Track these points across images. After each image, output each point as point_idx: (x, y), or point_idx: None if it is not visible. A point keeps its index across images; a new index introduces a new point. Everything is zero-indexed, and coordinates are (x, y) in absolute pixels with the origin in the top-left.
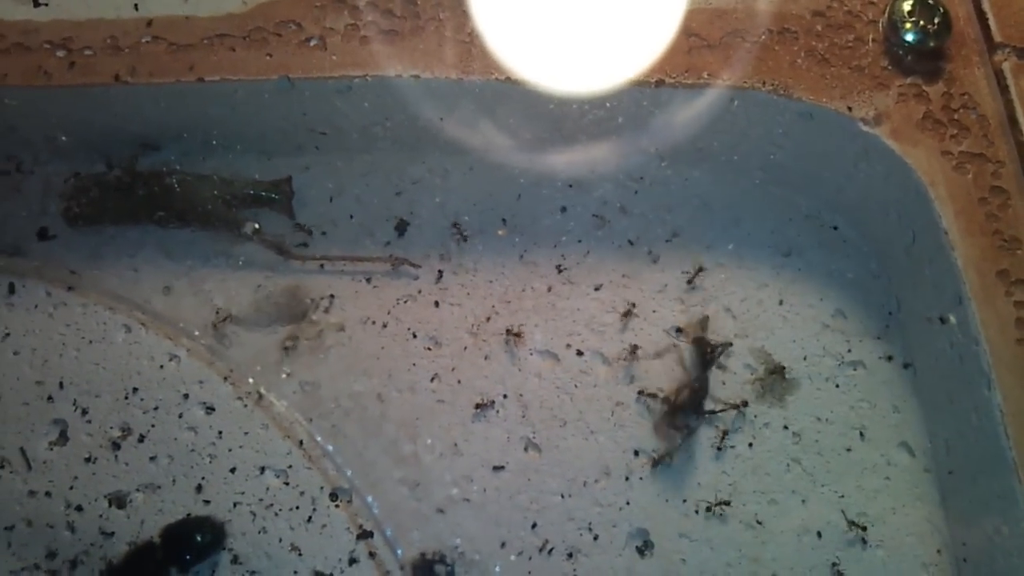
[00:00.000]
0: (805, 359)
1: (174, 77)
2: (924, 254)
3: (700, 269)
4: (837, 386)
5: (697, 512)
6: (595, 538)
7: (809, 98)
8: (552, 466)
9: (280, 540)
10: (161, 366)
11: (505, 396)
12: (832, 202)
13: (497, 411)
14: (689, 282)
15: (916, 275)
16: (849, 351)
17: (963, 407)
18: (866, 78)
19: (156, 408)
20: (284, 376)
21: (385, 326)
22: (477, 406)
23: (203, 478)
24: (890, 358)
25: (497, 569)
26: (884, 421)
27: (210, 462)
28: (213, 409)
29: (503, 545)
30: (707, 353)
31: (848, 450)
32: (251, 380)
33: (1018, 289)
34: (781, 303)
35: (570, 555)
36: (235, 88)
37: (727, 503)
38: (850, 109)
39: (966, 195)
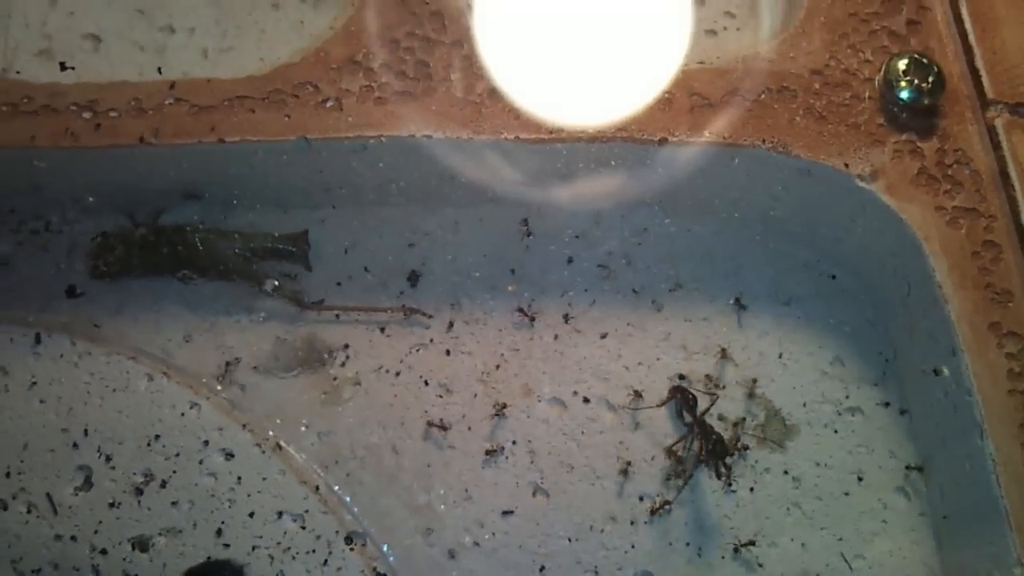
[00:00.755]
0: (804, 405)
1: (196, 138)
2: (919, 306)
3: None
4: (836, 432)
5: (700, 555)
6: None
7: (807, 155)
8: (560, 511)
9: None
10: (182, 414)
11: (514, 442)
12: (830, 253)
13: (506, 457)
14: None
15: (911, 325)
16: (847, 397)
17: (956, 455)
18: (862, 135)
19: (177, 454)
20: (303, 428)
21: (398, 374)
22: (487, 452)
23: (223, 522)
24: (887, 404)
25: None
26: (881, 466)
27: (229, 507)
28: (232, 455)
29: None
30: (688, 401)
31: (846, 494)
32: (271, 433)
33: (1009, 341)
34: (781, 352)
35: None
36: (255, 149)
37: (752, 543)
38: (847, 166)
39: (959, 249)
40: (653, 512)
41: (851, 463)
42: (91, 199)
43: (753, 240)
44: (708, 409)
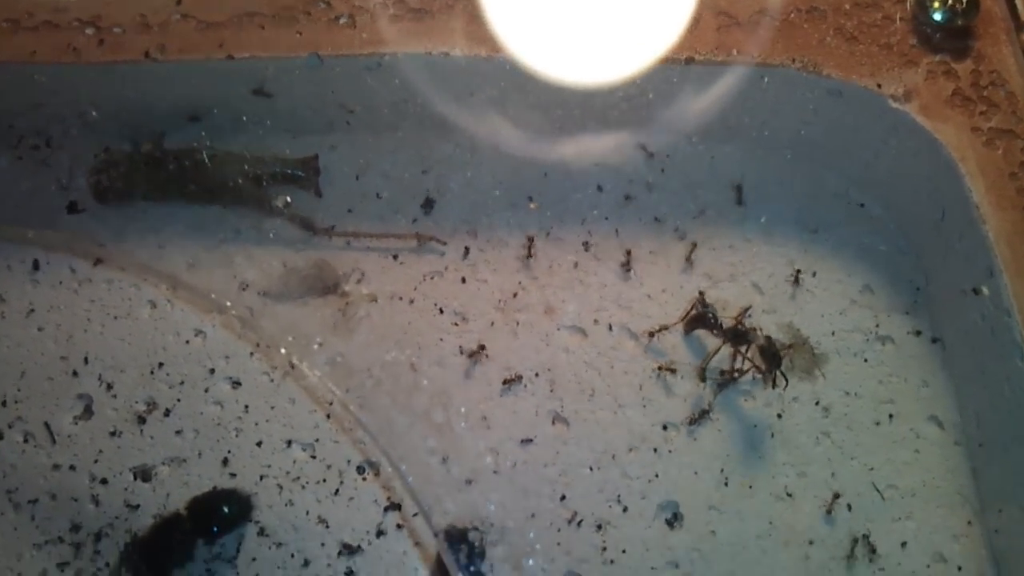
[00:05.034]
0: (833, 334)
1: (203, 54)
2: (954, 229)
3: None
4: (866, 361)
5: (727, 485)
6: (624, 510)
7: (839, 75)
8: (580, 439)
9: (307, 513)
10: (187, 341)
11: (534, 372)
12: (860, 180)
13: (525, 385)
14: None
15: (945, 250)
16: (877, 326)
17: (995, 379)
18: (895, 56)
19: (182, 383)
20: (316, 347)
21: (412, 302)
22: (505, 381)
23: (229, 452)
24: (918, 333)
25: (529, 543)
26: (913, 395)
27: (236, 436)
28: (239, 384)
29: (532, 516)
30: (710, 318)
31: (877, 424)
32: (283, 351)
33: None
34: (809, 279)
35: (599, 527)
36: (264, 66)
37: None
38: (879, 86)
39: (996, 170)
40: (692, 423)
41: (882, 392)
42: (94, 114)
43: (780, 167)
44: (744, 314)
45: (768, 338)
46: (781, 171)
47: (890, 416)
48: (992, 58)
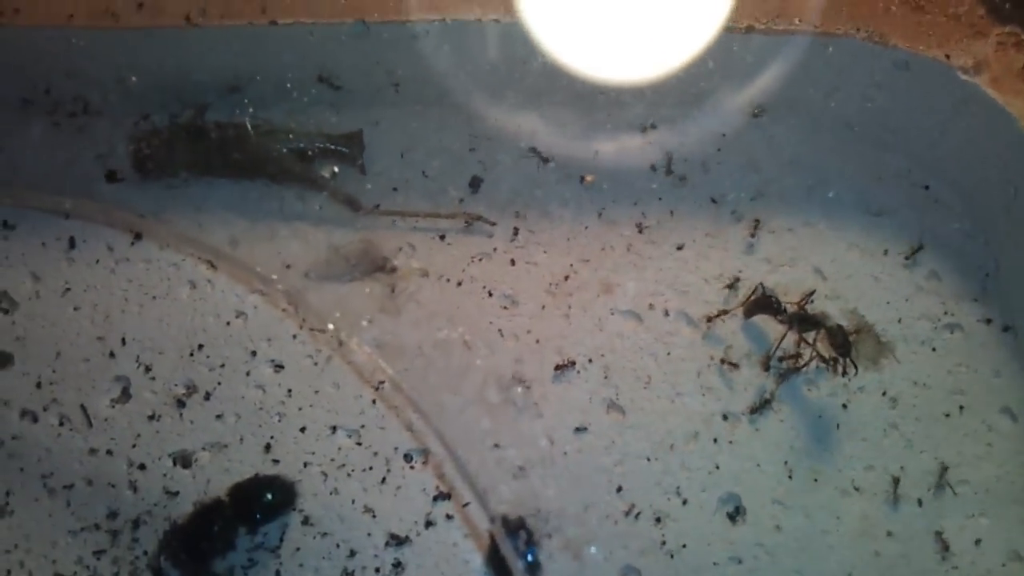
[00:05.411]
0: (899, 322)
1: (246, 19)
2: None
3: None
4: (934, 350)
5: (791, 478)
6: (684, 502)
7: (905, 46)
8: (637, 428)
9: (353, 502)
10: (228, 323)
11: (588, 358)
12: (924, 160)
13: (578, 372)
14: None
15: (1018, 232)
16: (945, 313)
17: None
18: (963, 26)
19: (222, 366)
20: (363, 326)
21: (460, 284)
22: (557, 367)
23: (272, 437)
24: (989, 321)
25: (586, 535)
26: (984, 386)
27: (279, 421)
28: (282, 367)
29: (587, 508)
30: (773, 304)
31: (947, 416)
32: (330, 328)
33: None
34: (872, 265)
35: (658, 520)
36: (308, 31)
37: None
38: (948, 57)
39: None
40: (754, 412)
41: (951, 383)
42: (134, 79)
43: (841, 146)
44: (808, 299)
45: (838, 324)
46: (843, 150)
47: (960, 408)
48: None
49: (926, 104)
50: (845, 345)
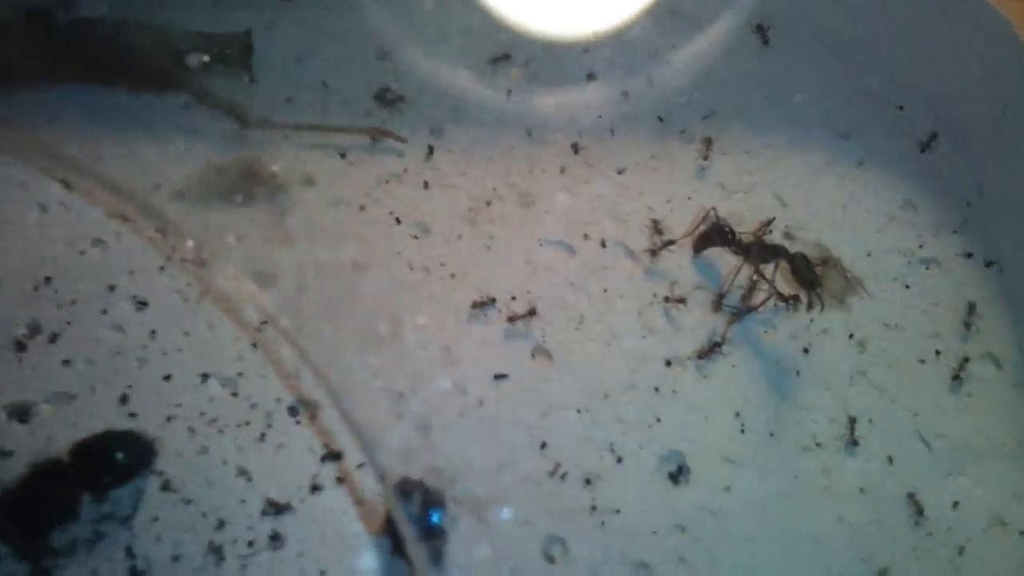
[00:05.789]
0: (869, 255)
1: None
2: (1019, 126)
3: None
4: (907, 287)
5: (743, 432)
6: (618, 461)
7: None
8: (566, 376)
9: (224, 462)
10: (82, 252)
11: (509, 294)
12: (898, 77)
13: (499, 310)
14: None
15: (1006, 153)
16: (921, 247)
17: None
18: None
19: (73, 302)
20: (242, 259)
21: (363, 208)
22: (474, 304)
23: (129, 386)
24: (969, 255)
25: (500, 498)
26: (964, 328)
27: (139, 368)
28: (146, 304)
29: (505, 468)
30: (727, 233)
31: (922, 362)
32: (205, 255)
33: None
34: (840, 193)
35: (588, 481)
36: None
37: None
38: None
39: None
40: (701, 357)
41: (927, 325)
42: None
43: (805, 58)
44: (765, 228)
45: (801, 253)
46: (808, 62)
47: (937, 352)
48: None
49: (904, 7)
50: (811, 276)
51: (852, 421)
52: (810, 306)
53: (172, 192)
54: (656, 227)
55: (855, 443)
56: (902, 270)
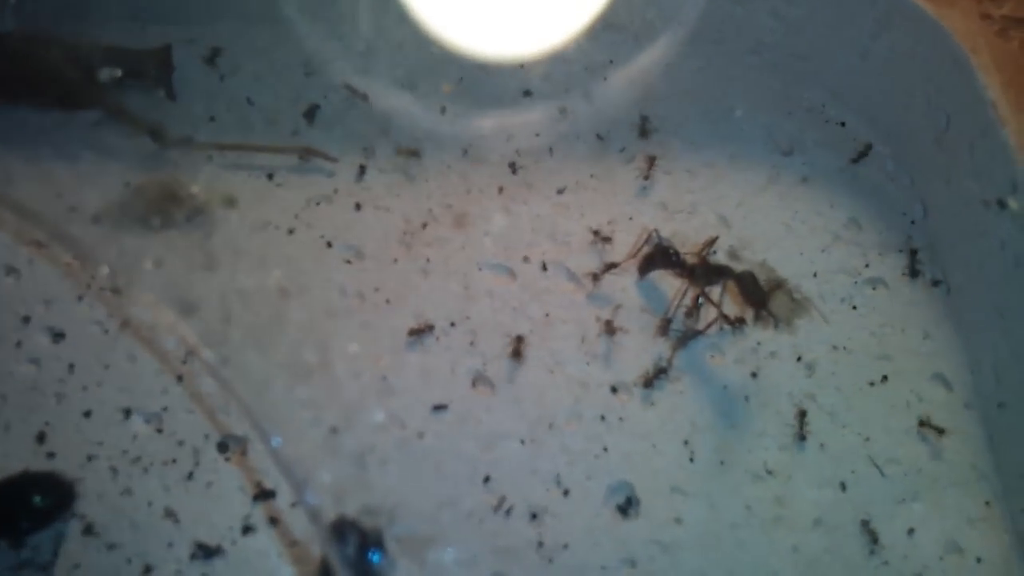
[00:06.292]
0: (815, 276)
1: None
2: (962, 139)
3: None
4: (855, 308)
5: (692, 461)
6: (565, 494)
7: None
8: (509, 405)
9: (150, 504)
10: None
11: (448, 320)
12: (840, 93)
13: (437, 337)
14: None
15: (950, 168)
16: (867, 266)
17: (1019, 321)
18: None
19: None
20: (165, 286)
21: (292, 232)
22: (411, 331)
23: (47, 424)
24: (916, 274)
25: (442, 536)
26: (913, 349)
27: (57, 404)
28: (63, 336)
29: (447, 505)
30: (671, 256)
31: (871, 384)
32: (124, 284)
33: None
34: (784, 212)
35: (534, 516)
36: None
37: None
38: None
39: (1013, 64)
40: (647, 385)
41: (875, 346)
42: None
43: (747, 75)
44: (709, 247)
45: (749, 273)
46: (750, 79)
47: (884, 377)
48: None
49: (845, 20)
50: (759, 295)
51: (802, 414)
52: (758, 319)
53: (88, 216)
54: (600, 236)
55: (803, 438)
56: (849, 291)
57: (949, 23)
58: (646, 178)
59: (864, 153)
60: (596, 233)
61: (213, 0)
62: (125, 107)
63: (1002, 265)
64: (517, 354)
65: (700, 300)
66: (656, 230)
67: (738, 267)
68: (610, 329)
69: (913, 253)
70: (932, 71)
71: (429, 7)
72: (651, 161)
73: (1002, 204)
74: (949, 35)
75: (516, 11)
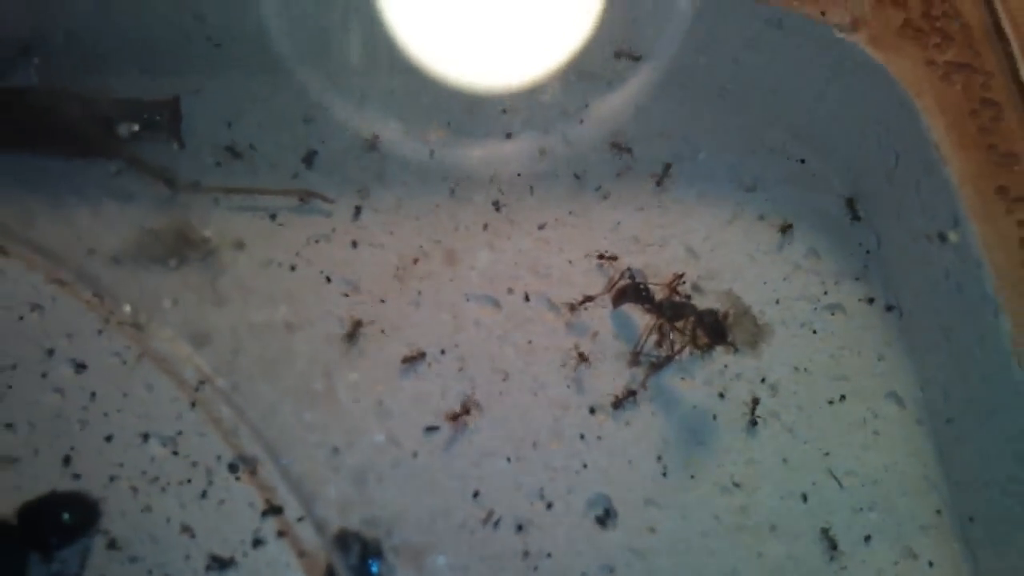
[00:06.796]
0: (777, 303)
1: None
2: (910, 176)
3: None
4: (814, 332)
5: (665, 475)
6: (548, 507)
7: (779, 2)
8: (495, 426)
9: (168, 520)
10: (20, 317)
11: (439, 348)
12: (800, 132)
13: (429, 364)
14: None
15: (900, 203)
16: (825, 294)
17: (963, 343)
18: None
19: (14, 367)
20: (179, 321)
21: (294, 268)
22: (405, 359)
23: (72, 448)
24: (871, 300)
25: (436, 546)
26: (869, 370)
27: (81, 429)
28: (85, 367)
29: (440, 517)
30: (641, 292)
31: (831, 403)
32: (142, 319)
33: (1019, 207)
34: (747, 243)
35: (519, 527)
36: None
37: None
38: (823, 14)
39: (956, 107)
40: (616, 406)
41: (834, 368)
42: None
43: (713, 117)
44: (677, 281)
45: (710, 310)
46: (715, 120)
47: (843, 396)
48: None
49: (801, 67)
50: (718, 331)
51: (755, 402)
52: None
53: (107, 257)
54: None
55: (754, 423)
56: (809, 316)
57: (896, 69)
58: (619, 214)
59: (856, 216)
60: (601, 256)
61: (217, 53)
62: (140, 157)
63: (947, 292)
64: (466, 412)
65: (669, 333)
66: (629, 268)
67: (705, 298)
68: (587, 356)
69: (850, 201)
70: (882, 113)
71: (417, 58)
72: (624, 200)
73: (942, 237)
74: (896, 81)
75: (500, 57)
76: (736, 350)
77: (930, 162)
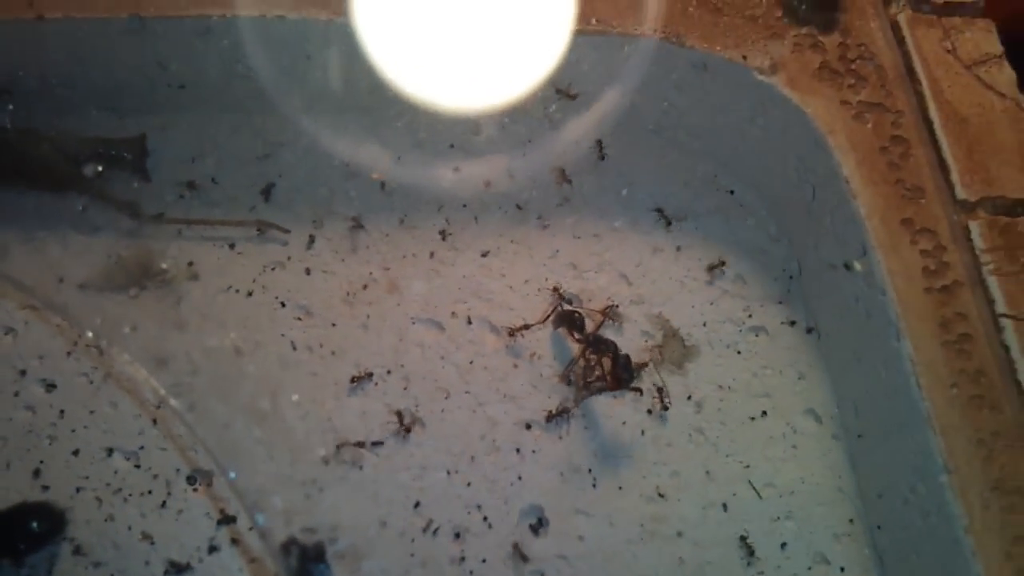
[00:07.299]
0: (705, 325)
1: (11, 14)
2: (825, 208)
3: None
4: (739, 353)
5: (595, 486)
6: (484, 517)
7: (703, 47)
8: (436, 441)
9: (129, 528)
10: None
11: (385, 368)
12: (728, 165)
13: (376, 383)
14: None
15: (817, 232)
16: (750, 316)
17: (871, 364)
18: (760, 27)
19: None
20: (141, 344)
21: (250, 295)
22: (353, 379)
23: (41, 461)
24: (792, 323)
25: (376, 552)
26: (789, 388)
27: (50, 444)
28: (54, 386)
29: (383, 525)
30: (576, 321)
31: (752, 419)
32: (106, 342)
33: (923, 238)
34: (677, 270)
35: (457, 535)
36: (79, 27)
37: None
38: (745, 58)
39: (867, 144)
40: (549, 420)
41: (756, 386)
42: None
43: (647, 151)
44: (609, 310)
45: (626, 356)
46: (650, 155)
47: (764, 412)
48: (859, 31)
49: (725, 106)
50: (628, 374)
51: (660, 391)
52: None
53: (74, 285)
54: (559, 294)
55: (666, 408)
56: (734, 337)
57: (811, 109)
58: (558, 241)
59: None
60: (555, 290)
61: (181, 95)
62: (107, 191)
63: (857, 316)
64: (409, 429)
65: (593, 364)
66: (569, 300)
67: (636, 320)
68: (525, 375)
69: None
70: (799, 150)
71: (369, 98)
72: (563, 228)
73: (847, 267)
74: (810, 120)
75: (448, 95)
76: (640, 393)
77: (841, 195)
